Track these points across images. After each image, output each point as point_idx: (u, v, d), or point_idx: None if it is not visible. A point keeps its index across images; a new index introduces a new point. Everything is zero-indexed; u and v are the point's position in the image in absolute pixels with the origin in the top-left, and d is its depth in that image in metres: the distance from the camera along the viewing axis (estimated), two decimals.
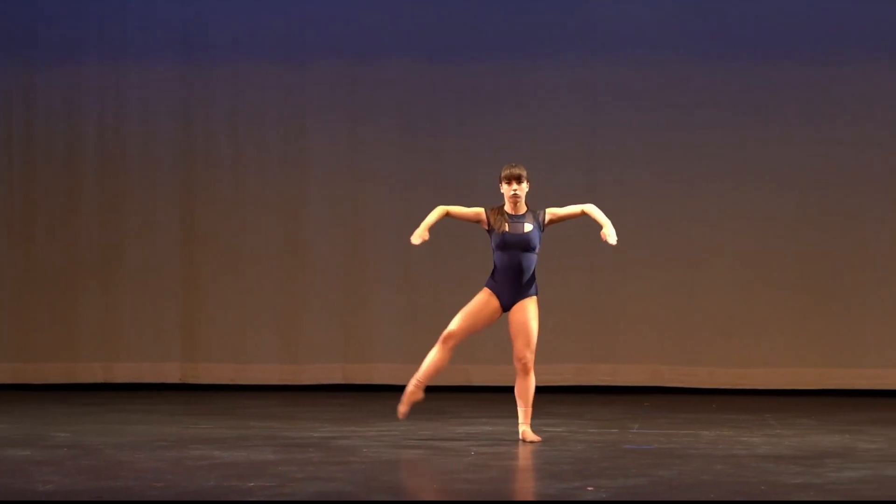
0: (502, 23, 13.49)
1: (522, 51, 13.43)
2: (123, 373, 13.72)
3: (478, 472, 7.85)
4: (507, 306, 9.31)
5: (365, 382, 13.46)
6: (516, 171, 9.28)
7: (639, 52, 13.32)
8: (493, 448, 9.02)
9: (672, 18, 13.32)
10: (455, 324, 9.33)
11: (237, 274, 13.69)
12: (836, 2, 13.23)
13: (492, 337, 13.17)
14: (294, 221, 13.68)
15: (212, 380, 13.66)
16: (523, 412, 9.34)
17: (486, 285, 9.33)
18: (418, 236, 9.25)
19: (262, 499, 6.89)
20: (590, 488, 7.20)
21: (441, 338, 9.35)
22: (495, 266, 9.30)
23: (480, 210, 9.35)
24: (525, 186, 9.29)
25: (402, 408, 9.43)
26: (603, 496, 7.00)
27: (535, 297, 9.31)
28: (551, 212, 9.36)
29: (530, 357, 9.26)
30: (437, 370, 9.38)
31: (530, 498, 7.26)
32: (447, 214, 9.37)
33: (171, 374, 13.71)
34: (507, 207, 9.31)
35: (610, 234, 9.26)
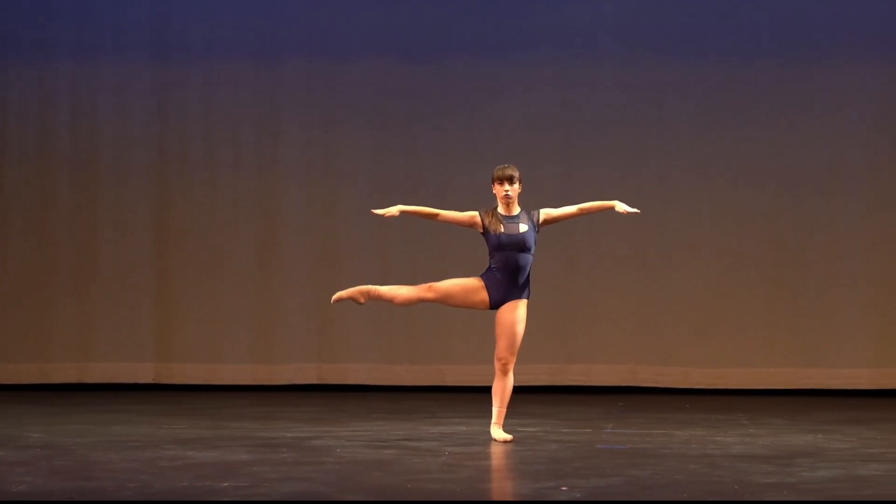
0: (476, 21, 13.48)
1: (496, 49, 13.42)
2: (97, 373, 13.67)
3: (452, 472, 7.85)
4: (495, 304, 9.28)
5: (339, 382, 13.43)
6: (508, 171, 9.26)
7: (612, 48, 13.32)
8: (468, 448, 9.02)
9: (646, 15, 13.32)
10: (442, 284, 9.26)
11: (211, 274, 13.66)
12: None
13: (466, 337, 13.23)
14: (268, 222, 13.65)
15: (186, 380, 13.62)
16: (497, 412, 9.34)
17: (481, 276, 9.27)
18: (385, 211, 9.24)
19: (235, 499, 6.88)
20: (564, 488, 7.21)
21: (424, 285, 9.28)
22: (490, 266, 9.28)
23: (474, 214, 9.31)
24: (517, 187, 9.26)
25: (342, 294, 9.25)
26: (577, 496, 7.00)
27: (525, 301, 9.29)
28: (546, 212, 9.34)
29: (511, 360, 9.25)
30: (393, 299, 9.28)
31: (505, 498, 7.26)
32: (436, 216, 9.31)
33: (145, 374, 13.67)
34: (501, 209, 9.29)
35: (625, 207, 9.28)
